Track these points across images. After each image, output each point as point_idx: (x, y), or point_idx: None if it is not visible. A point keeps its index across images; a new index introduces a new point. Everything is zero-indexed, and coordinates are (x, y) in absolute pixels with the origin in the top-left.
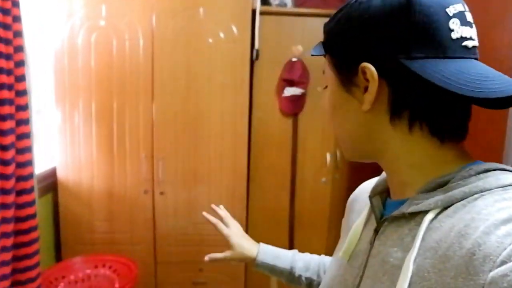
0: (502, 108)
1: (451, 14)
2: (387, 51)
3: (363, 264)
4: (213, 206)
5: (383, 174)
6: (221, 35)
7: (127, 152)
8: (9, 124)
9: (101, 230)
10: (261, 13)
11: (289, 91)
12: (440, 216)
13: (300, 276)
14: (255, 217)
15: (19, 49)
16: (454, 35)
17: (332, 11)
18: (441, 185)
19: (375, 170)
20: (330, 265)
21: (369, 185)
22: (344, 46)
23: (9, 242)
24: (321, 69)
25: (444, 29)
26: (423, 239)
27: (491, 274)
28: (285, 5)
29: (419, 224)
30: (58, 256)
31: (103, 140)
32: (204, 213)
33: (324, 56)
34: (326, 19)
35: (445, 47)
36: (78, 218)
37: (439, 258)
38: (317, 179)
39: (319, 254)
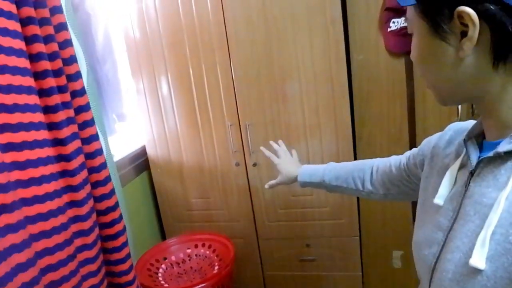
0: None
1: None
2: None
3: (457, 206)
4: (270, 142)
5: (478, 120)
6: None
7: (211, 121)
8: (63, 115)
9: (198, 207)
10: None
11: (397, 23)
12: None
13: (335, 185)
14: None
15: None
16: None
17: None
18: None
19: None
20: (420, 208)
21: (457, 127)
22: None
23: (89, 239)
24: None
25: None
26: None
27: None
28: None
29: None
30: (163, 234)
31: (185, 111)
32: (261, 148)
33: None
34: None
35: None
36: (174, 195)
37: None
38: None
39: None
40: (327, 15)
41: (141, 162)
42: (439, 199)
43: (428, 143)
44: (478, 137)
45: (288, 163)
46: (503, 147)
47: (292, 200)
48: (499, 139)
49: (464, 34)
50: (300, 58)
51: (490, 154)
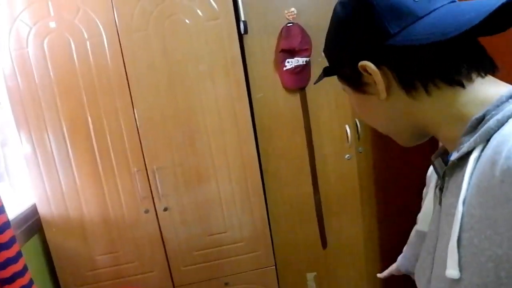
0: (499, 32)
1: None
2: (371, 43)
3: (437, 225)
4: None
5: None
6: (199, 12)
7: (115, 169)
8: None
9: (104, 265)
10: None
11: (291, 63)
12: (484, 152)
13: None
14: (277, 212)
15: None
16: None
17: None
18: (479, 122)
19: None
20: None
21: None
22: (339, 58)
23: None
24: (322, 30)
25: None
26: (471, 178)
27: None
28: None
29: None
30: None
31: (83, 161)
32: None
33: (334, 76)
34: None
35: (414, 10)
36: (74, 256)
37: (480, 192)
38: (340, 157)
39: (356, 242)
40: (227, 57)
41: (31, 224)
42: (421, 225)
43: (427, 176)
44: (443, 155)
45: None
46: (454, 155)
47: (207, 240)
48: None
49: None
50: (204, 100)
51: (448, 166)
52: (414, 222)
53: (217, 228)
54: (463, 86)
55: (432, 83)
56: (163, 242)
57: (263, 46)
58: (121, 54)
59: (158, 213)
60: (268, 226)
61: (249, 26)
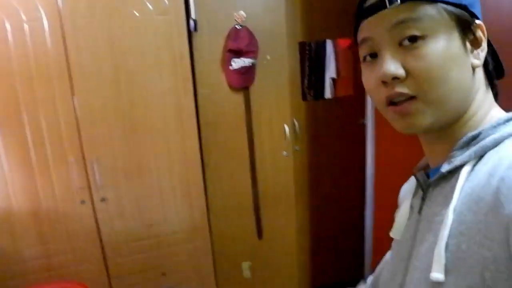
0: None
1: None
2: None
3: (414, 234)
4: None
5: (423, 158)
6: (149, 6)
7: (49, 159)
8: None
9: (33, 256)
10: None
11: (237, 63)
12: (476, 167)
13: None
14: (216, 204)
15: None
16: None
17: None
18: (473, 139)
19: (337, 136)
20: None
21: (412, 178)
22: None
23: None
24: (269, 34)
25: None
26: (462, 190)
27: None
28: None
29: (458, 179)
30: None
31: (14, 150)
32: None
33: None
34: None
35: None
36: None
37: (474, 201)
38: (278, 154)
39: (290, 233)
40: (175, 52)
41: None
42: (395, 233)
43: (399, 197)
44: (425, 169)
45: None
46: (445, 168)
47: (145, 231)
48: (442, 162)
49: (475, 45)
50: (149, 92)
51: (435, 177)
52: (343, 215)
53: (155, 219)
54: (496, 97)
55: (489, 78)
56: (99, 233)
57: (211, 45)
58: (63, 40)
59: (95, 204)
60: (206, 217)
61: (199, 25)
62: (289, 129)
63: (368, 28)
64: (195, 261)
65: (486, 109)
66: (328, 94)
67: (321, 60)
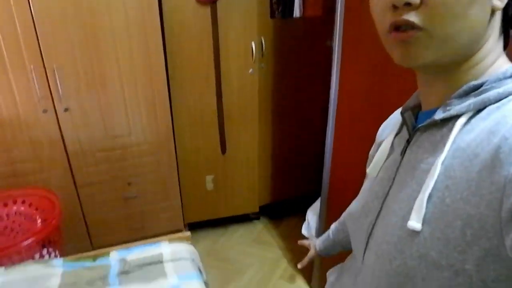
0: None
1: None
2: None
3: (392, 175)
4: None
5: (414, 94)
6: None
7: (7, 67)
8: None
9: None
10: None
11: None
12: (473, 120)
13: (339, 246)
14: (181, 119)
15: None
16: None
17: None
18: (475, 89)
19: (303, 56)
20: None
21: (395, 114)
22: None
23: None
24: None
25: None
26: (454, 142)
27: None
28: None
29: (451, 129)
30: None
31: None
32: (299, 242)
33: None
34: None
35: None
36: None
37: (467, 157)
38: (244, 71)
39: (252, 149)
40: None
41: None
42: (372, 170)
43: (376, 137)
44: (414, 109)
45: (313, 240)
46: (439, 115)
47: (110, 142)
48: (436, 106)
49: None
50: (111, 4)
51: (426, 122)
52: (305, 133)
53: (120, 130)
54: (505, 46)
55: (505, 24)
56: (64, 143)
57: None
58: None
59: (58, 113)
60: (172, 130)
61: None
62: (256, 46)
63: None
64: (160, 173)
65: (494, 58)
66: (296, 12)
67: None
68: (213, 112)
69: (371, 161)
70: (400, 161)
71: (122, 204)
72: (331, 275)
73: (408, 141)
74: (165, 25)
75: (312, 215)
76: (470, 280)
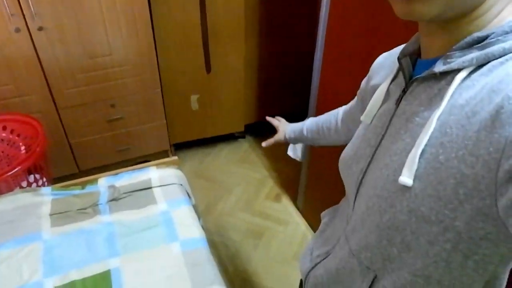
0: None
1: None
2: None
3: (386, 123)
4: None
5: (413, 37)
6: None
7: None
8: None
9: None
10: None
11: None
12: (474, 75)
13: (311, 137)
14: (164, 36)
15: None
16: None
17: None
18: (479, 41)
19: None
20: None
21: (396, 50)
22: None
23: None
24: None
25: None
26: (452, 97)
27: None
28: None
29: (450, 83)
30: None
31: None
32: (267, 118)
33: None
34: None
35: None
36: None
37: (465, 114)
38: None
39: (238, 68)
40: None
41: None
42: (366, 117)
43: (371, 69)
44: (412, 55)
45: (283, 124)
46: (439, 67)
47: (91, 63)
48: (436, 56)
49: None
50: None
51: (425, 73)
52: (292, 52)
53: (101, 50)
54: None
55: None
56: (41, 64)
57: None
58: None
59: (31, 32)
60: (154, 50)
61: None
62: None
63: None
64: (144, 93)
65: (501, 7)
66: None
67: None
68: (197, 30)
69: (362, 90)
70: (395, 111)
71: (106, 126)
72: (325, 216)
73: (404, 91)
74: None
75: None
76: (459, 236)
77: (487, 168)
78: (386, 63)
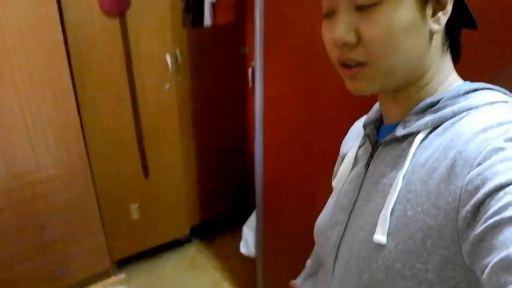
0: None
1: None
2: None
3: (357, 187)
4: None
5: (375, 106)
6: None
7: None
8: None
9: None
10: None
11: None
12: (430, 136)
13: None
14: (96, 144)
15: None
16: None
17: None
18: (432, 105)
19: (219, 67)
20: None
21: (359, 123)
22: None
23: None
24: None
25: None
26: (414, 157)
27: (469, 176)
28: None
29: (410, 144)
30: None
31: None
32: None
33: None
34: None
35: None
36: None
37: (426, 171)
38: (160, 87)
39: (176, 167)
40: None
41: None
42: (337, 183)
43: (342, 144)
44: (376, 123)
45: None
46: (400, 131)
47: (16, 181)
48: (396, 121)
49: (437, 8)
50: (3, 20)
51: (388, 138)
52: (228, 146)
53: (27, 167)
54: (455, 61)
55: (449, 41)
56: None
57: None
58: None
59: None
60: (87, 160)
61: None
62: (171, 59)
63: None
64: (78, 208)
65: (444, 75)
66: (208, 21)
67: None
68: (131, 134)
69: (335, 176)
70: (364, 174)
71: (36, 252)
72: (304, 285)
73: (372, 155)
74: (69, 42)
75: (248, 231)
76: None
77: (448, 217)
78: (350, 138)
